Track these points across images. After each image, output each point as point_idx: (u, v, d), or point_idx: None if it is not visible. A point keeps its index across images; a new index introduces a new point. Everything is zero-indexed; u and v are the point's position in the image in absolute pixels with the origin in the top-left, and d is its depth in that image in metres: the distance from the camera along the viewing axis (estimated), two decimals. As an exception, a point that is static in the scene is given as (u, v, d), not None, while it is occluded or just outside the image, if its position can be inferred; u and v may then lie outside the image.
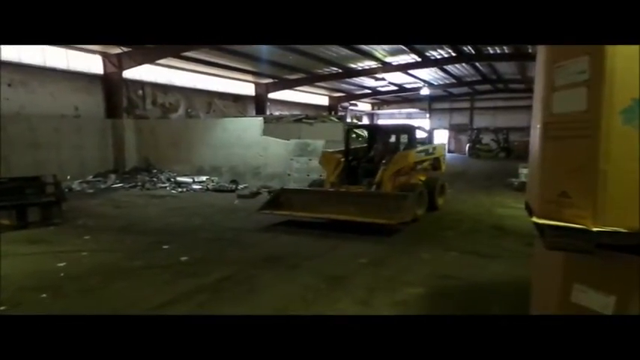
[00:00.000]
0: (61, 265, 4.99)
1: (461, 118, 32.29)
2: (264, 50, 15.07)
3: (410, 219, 6.66)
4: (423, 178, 8.69)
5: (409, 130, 9.13)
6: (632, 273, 1.68)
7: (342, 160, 8.19)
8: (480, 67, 22.01)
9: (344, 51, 16.45)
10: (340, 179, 7.92)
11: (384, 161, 7.73)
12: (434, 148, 9.47)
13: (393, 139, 9.13)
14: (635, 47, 1.59)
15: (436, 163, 9.63)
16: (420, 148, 8.73)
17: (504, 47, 17.32)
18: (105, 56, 13.64)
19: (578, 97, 1.72)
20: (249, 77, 20.13)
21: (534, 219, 1.88)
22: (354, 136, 10.42)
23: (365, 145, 9.57)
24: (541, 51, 2.10)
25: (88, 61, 13.58)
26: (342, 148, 8.74)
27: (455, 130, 32.39)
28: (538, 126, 2.03)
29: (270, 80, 20.92)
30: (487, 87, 28.08)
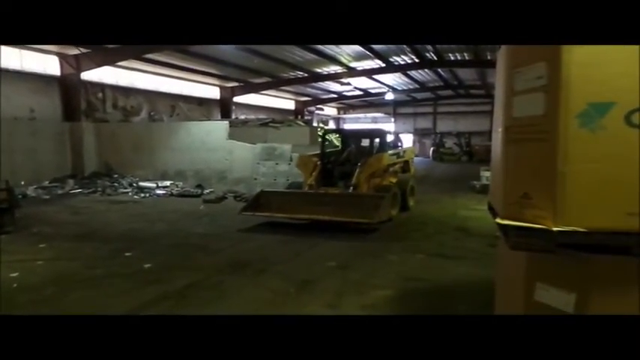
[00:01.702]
0: (14, 275, 4.74)
1: (425, 123, 33.03)
2: (229, 53, 14.91)
3: (387, 218, 6.98)
4: (394, 180, 8.96)
5: (381, 134, 9.51)
6: (591, 271, 1.74)
7: (319, 163, 8.43)
8: (442, 73, 22.60)
9: (309, 55, 16.50)
10: (317, 181, 8.13)
11: (359, 164, 8.03)
12: (404, 152, 10.02)
13: (365, 143, 9.55)
14: (589, 55, 1.66)
15: (406, 166, 10.05)
16: (391, 151, 9.16)
17: (465, 54, 17.86)
18: (62, 57, 13.12)
19: (536, 102, 1.77)
20: (214, 80, 19.87)
21: (498, 220, 1.93)
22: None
23: (338, 148, 9.85)
24: (501, 57, 2.16)
25: (43, 61, 13.02)
26: (318, 152, 8.96)
27: (419, 134, 33.09)
28: (500, 129, 2.09)
29: (235, 84, 20.72)
30: (449, 92, 28.84)
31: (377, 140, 9.39)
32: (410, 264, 5.26)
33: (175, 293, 4.20)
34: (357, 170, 7.88)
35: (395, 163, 9.30)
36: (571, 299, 1.76)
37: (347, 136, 10.28)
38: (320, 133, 11.10)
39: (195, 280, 4.57)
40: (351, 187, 7.72)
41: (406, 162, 10.09)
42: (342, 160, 8.93)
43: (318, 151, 9.05)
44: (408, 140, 32.36)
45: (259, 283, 4.50)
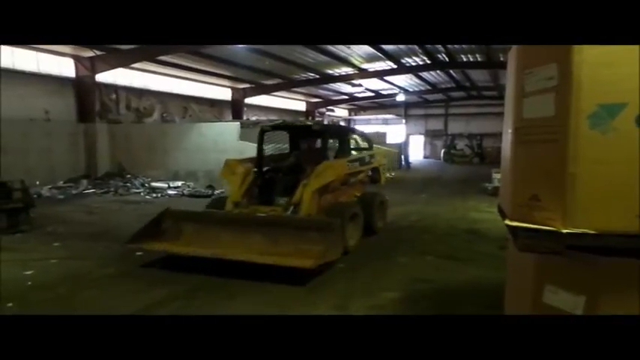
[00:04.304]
0: (29, 273, 4.82)
1: (436, 124, 32.84)
2: (240, 55, 15.00)
3: (337, 257, 4.80)
4: (358, 193, 6.99)
5: (341, 132, 7.24)
6: (600, 273, 1.72)
7: (254, 170, 6.32)
8: (454, 75, 22.45)
9: (320, 57, 16.52)
10: (249, 197, 6.04)
11: (307, 174, 5.97)
12: (371, 156, 7.63)
13: (319, 144, 7.15)
14: (600, 55, 1.64)
15: (375, 175, 7.80)
16: (354, 156, 7.23)
17: (477, 55, 17.73)
18: (77, 59, 13.32)
19: (547, 103, 1.77)
20: (226, 82, 20.00)
21: (507, 221, 1.92)
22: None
23: (286, 151, 7.41)
24: (511, 58, 2.15)
25: (59, 63, 13.23)
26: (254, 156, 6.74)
27: (430, 135, 32.92)
28: (509, 131, 2.08)
29: (247, 85, 20.83)
30: (461, 94, 28.67)
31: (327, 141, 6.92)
32: (419, 266, 5.23)
33: (184, 293, 4.23)
34: (302, 183, 5.81)
35: (359, 172, 7.00)
36: (580, 302, 1.75)
37: (296, 135, 7.49)
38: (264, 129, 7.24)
39: (204, 279, 4.59)
40: (292, 207, 5.69)
41: (376, 169, 7.72)
42: (288, 168, 6.55)
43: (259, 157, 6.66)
44: (419, 142, 32.34)
45: (268, 284, 4.50)
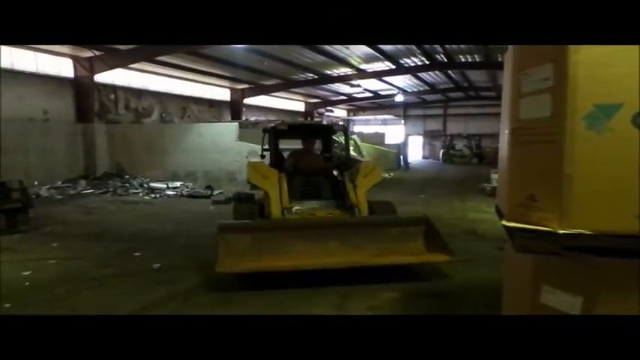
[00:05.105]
0: (27, 273, 4.82)
1: (435, 125, 32.90)
2: (239, 55, 15.00)
3: None
4: None
5: (329, 131, 6.93)
6: (598, 274, 1.73)
7: (282, 173, 5.87)
8: (453, 75, 22.49)
9: (319, 57, 16.53)
10: (290, 202, 5.64)
11: (346, 174, 5.97)
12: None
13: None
14: (596, 55, 1.65)
15: None
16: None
17: (475, 55, 17.75)
18: (76, 60, 13.31)
19: (543, 104, 1.77)
20: (225, 82, 20.00)
21: (504, 222, 1.92)
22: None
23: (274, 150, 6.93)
24: (508, 58, 2.15)
25: (58, 64, 13.22)
26: (265, 158, 6.57)
27: (429, 136, 32.96)
28: (506, 131, 2.08)
29: (245, 86, 20.83)
30: (459, 94, 28.72)
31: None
32: (418, 265, 5.22)
33: (182, 293, 4.23)
34: (350, 184, 5.75)
35: None
36: (577, 302, 1.75)
37: (280, 133, 6.90)
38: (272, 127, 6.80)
39: (203, 280, 4.59)
40: (356, 209, 5.52)
41: None
42: (291, 169, 6.26)
43: (262, 157, 6.59)
44: (416, 143, 32.37)
45: (267, 285, 4.50)
